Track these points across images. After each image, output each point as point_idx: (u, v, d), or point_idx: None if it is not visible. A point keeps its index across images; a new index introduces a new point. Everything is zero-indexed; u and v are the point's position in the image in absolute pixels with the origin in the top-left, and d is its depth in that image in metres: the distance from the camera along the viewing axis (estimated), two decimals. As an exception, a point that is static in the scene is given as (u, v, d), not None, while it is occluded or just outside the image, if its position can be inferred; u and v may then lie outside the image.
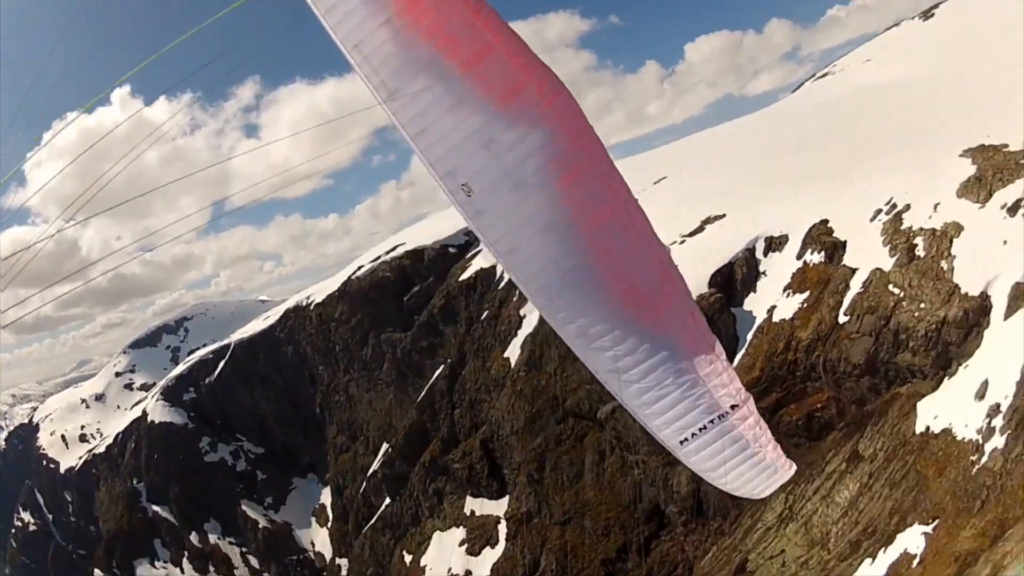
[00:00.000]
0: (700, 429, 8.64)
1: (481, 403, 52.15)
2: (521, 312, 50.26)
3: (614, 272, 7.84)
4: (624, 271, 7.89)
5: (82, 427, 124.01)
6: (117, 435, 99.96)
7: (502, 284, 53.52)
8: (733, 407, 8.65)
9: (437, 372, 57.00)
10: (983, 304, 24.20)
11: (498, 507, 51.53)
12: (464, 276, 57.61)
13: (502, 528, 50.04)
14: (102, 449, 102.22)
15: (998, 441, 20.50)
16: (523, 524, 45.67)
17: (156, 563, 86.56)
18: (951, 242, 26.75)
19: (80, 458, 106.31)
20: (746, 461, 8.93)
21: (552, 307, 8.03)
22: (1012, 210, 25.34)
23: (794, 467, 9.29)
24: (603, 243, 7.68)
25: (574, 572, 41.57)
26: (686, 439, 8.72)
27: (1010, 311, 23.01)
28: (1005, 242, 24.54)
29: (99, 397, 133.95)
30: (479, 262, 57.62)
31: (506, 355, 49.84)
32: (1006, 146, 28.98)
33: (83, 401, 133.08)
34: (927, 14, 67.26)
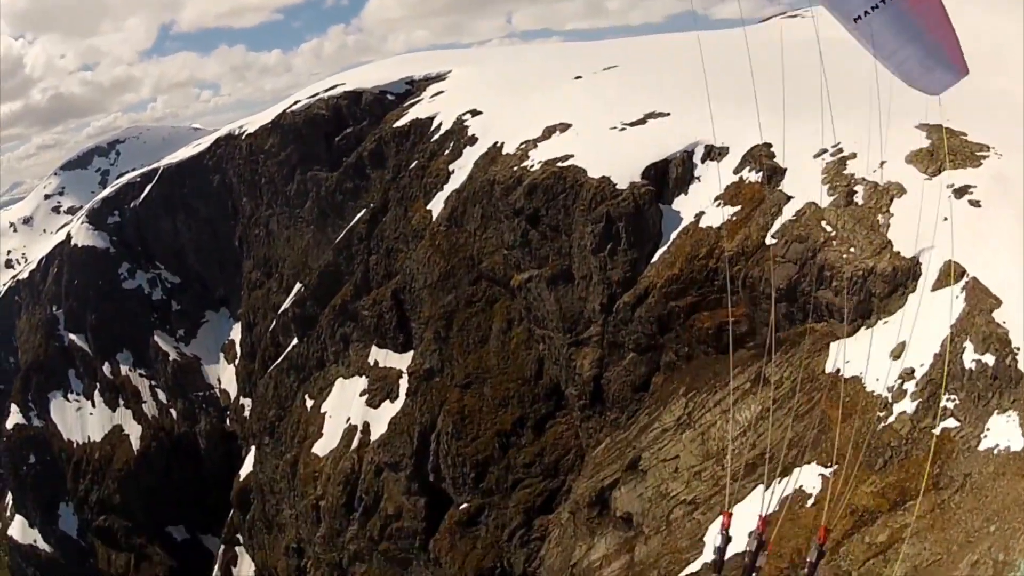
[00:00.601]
0: (873, 7, 7.86)
1: (398, 252, 51.36)
2: (450, 167, 48.83)
3: None
4: None
5: (8, 252, 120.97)
6: (40, 260, 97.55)
7: (435, 137, 51.84)
8: None
9: (358, 216, 55.88)
10: (913, 268, 23.85)
11: (401, 360, 51.47)
12: (399, 123, 55.80)
13: (403, 383, 50.05)
14: (25, 275, 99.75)
15: (908, 405, 20.48)
16: (424, 381, 45.60)
17: (69, 395, 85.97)
18: (891, 200, 26.10)
19: (5, 284, 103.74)
20: (921, 50, 8.30)
21: None
22: (959, 192, 24.66)
23: (968, 69, 8.58)
24: None
25: (469, 438, 41.79)
26: (859, 16, 7.98)
27: (939, 285, 22.65)
28: (945, 219, 23.56)
29: (27, 220, 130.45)
30: (416, 111, 55.77)
31: (429, 207, 48.69)
32: (964, 134, 27.95)
33: (11, 225, 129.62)
34: (921, -8, 64.59)
